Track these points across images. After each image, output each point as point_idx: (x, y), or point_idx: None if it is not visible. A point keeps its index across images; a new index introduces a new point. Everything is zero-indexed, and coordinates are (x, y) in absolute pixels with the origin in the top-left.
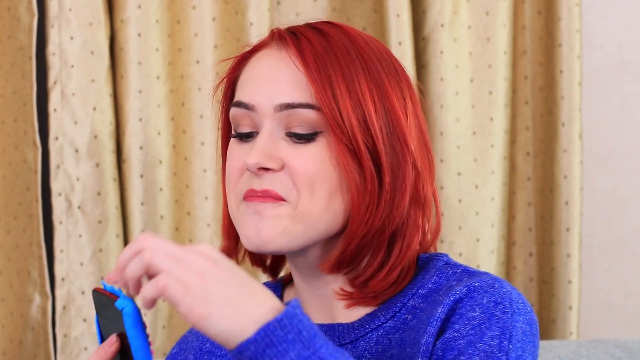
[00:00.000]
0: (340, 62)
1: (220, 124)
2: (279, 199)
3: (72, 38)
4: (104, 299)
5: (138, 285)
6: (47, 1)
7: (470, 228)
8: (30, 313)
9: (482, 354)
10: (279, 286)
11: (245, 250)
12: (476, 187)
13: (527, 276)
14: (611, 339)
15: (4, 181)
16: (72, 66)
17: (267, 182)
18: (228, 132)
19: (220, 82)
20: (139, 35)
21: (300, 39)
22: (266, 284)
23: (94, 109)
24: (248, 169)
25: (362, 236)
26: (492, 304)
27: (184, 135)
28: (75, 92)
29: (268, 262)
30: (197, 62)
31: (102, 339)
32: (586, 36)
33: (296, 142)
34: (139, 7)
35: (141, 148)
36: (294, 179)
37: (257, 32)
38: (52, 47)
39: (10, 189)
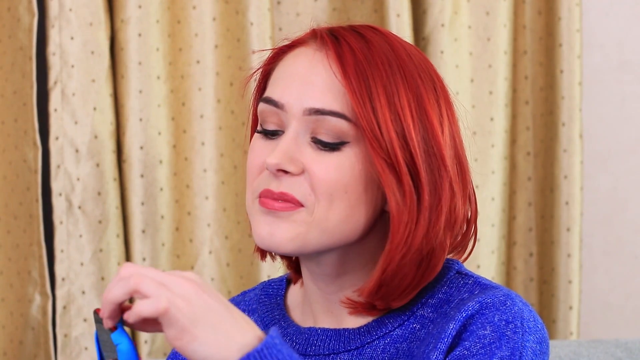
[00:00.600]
0: (381, 73)
1: (250, 116)
2: (295, 203)
3: (72, 38)
4: (103, 323)
5: (116, 311)
6: (47, 1)
7: None
8: (31, 313)
9: None
10: (284, 283)
11: None
12: (476, 187)
13: (527, 276)
14: (611, 339)
15: (4, 181)
16: (73, 66)
17: (285, 185)
18: (257, 125)
19: (254, 73)
20: (140, 35)
21: (341, 43)
22: (270, 281)
23: (95, 109)
24: (267, 169)
25: (402, 256)
26: (504, 323)
27: (185, 135)
28: (75, 92)
29: (294, 257)
30: (198, 62)
31: (101, 355)
32: (586, 36)
33: (320, 149)
34: (140, 7)
35: (141, 148)
36: (314, 186)
37: (258, 32)
38: (52, 47)
39: (11, 189)
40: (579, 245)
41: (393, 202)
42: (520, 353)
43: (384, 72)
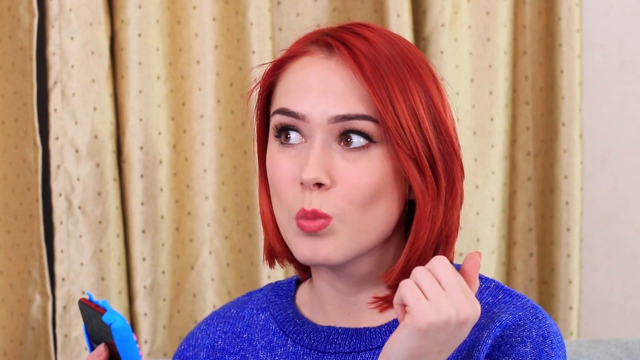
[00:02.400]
0: (392, 70)
1: (255, 130)
2: (326, 217)
3: (72, 38)
4: (90, 311)
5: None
6: (47, 1)
7: (471, 228)
8: (31, 313)
9: None
10: (293, 285)
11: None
12: (477, 187)
13: (527, 276)
14: (611, 339)
15: (5, 181)
16: (73, 66)
17: (316, 201)
18: (264, 137)
19: (255, 87)
20: (140, 35)
21: (350, 48)
22: (278, 283)
23: (95, 109)
24: (303, 183)
25: (425, 242)
26: (541, 339)
27: (185, 136)
28: (75, 92)
29: None
30: (198, 62)
31: (92, 347)
32: (586, 36)
33: (349, 154)
34: (140, 7)
35: (141, 148)
36: (349, 194)
37: (258, 32)
38: (52, 47)
39: (11, 189)
40: (579, 245)
41: (419, 194)
42: None
43: (394, 69)
